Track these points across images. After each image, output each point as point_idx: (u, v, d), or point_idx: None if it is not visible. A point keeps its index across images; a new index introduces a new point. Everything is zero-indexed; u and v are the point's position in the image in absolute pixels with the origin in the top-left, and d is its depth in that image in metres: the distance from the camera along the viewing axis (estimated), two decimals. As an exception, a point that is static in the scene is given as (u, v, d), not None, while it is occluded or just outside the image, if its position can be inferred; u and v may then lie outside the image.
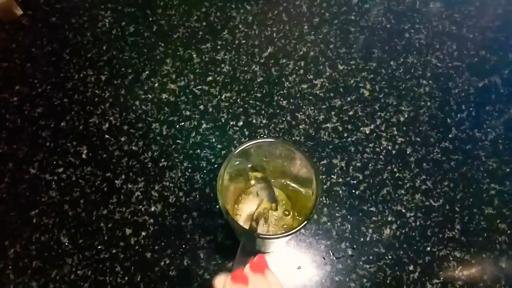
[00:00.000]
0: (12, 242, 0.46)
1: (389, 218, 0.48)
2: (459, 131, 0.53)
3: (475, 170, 0.51)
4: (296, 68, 0.58)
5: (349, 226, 0.47)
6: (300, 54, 0.59)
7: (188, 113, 0.54)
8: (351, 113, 0.54)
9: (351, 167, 0.51)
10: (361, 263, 0.45)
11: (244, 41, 0.60)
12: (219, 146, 0.52)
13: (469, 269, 0.45)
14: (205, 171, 0.50)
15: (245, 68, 0.58)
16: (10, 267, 0.45)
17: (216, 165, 0.51)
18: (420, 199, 0.49)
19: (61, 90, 0.56)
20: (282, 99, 0.55)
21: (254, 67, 0.58)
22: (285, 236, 0.33)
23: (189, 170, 0.50)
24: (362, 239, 0.46)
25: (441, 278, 0.45)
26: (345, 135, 0.53)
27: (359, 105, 0.55)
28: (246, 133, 0.53)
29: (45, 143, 0.52)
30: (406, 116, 0.54)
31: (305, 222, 0.33)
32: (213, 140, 0.52)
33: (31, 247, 0.46)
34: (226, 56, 0.59)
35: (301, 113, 0.54)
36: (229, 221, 0.35)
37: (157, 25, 0.62)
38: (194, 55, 0.59)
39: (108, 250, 0.46)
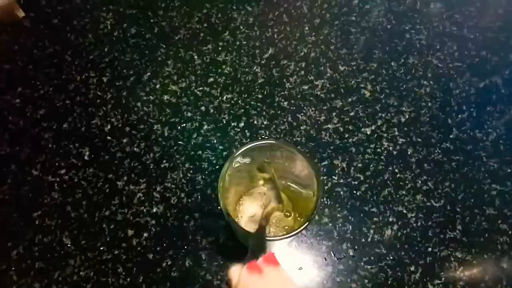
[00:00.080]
0: (15, 243, 0.47)
1: (391, 219, 0.48)
2: (460, 131, 0.53)
3: (476, 170, 0.51)
4: (297, 69, 0.58)
5: (350, 227, 0.47)
6: (301, 55, 0.59)
7: (189, 114, 0.54)
8: (352, 114, 0.55)
9: (352, 168, 0.51)
10: (362, 263, 0.45)
11: (245, 42, 0.60)
12: (220, 147, 0.52)
13: (470, 270, 0.45)
14: (206, 172, 0.50)
15: (246, 69, 0.58)
16: (13, 269, 0.45)
17: (217, 166, 0.51)
18: (421, 200, 0.49)
19: (63, 92, 0.56)
20: (283, 100, 0.55)
21: (255, 68, 0.58)
22: (288, 237, 0.33)
23: (191, 172, 0.51)
24: (363, 240, 0.47)
25: (443, 278, 0.45)
26: (346, 136, 0.53)
27: (360, 106, 0.55)
28: (248, 134, 0.53)
29: (48, 145, 0.52)
30: (407, 116, 0.54)
31: (307, 223, 0.33)
32: (215, 141, 0.53)
33: (34, 248, 0.46)
34: (227, 57, 0.59)
35: (302, 114, 0.54)
36: (230, 223, 0.35)
37: (158, 26, 0.62)
38: (195, 57, 0.59)
39: (111, 251, 0.46)
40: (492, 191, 0.50)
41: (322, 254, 0.46)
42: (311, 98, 0.56)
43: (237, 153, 0.37)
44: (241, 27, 0.62)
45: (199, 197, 0.49)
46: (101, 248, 0.46)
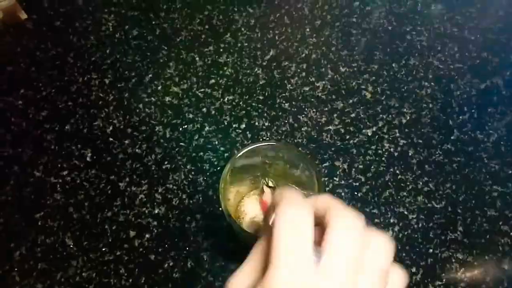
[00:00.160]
0: (17, 244, 0.47)
1: (392, 220, 0.48)
2: (461, 133, 0.54)
3: (478, 172, 0.51)
4: (298, 70, 0.58)
5: (351, 228, 0.47)
6: (302, 56, 0.59)
7: (191, 116, 0.55)
8: (353, 115, 0.55)
9: (353, 169, 0.51)
10: (363, 265, 0.45)
11: (246, 44, 0.61)
12: (221, 148, 0.52)
13: (471, 271, 0.45)
14: (208, 173, 0.51)
15: (248, 71, 0.58)
16: (15, 269, 0.46)
17: (219, 168, 0.51)
18: (422, 201, 0.49)
19: (66, 94, 0.56)
20: (284, 101, 0.56)
21: (256, 69, 0.58)
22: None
23: (192, 173, 0.51)
24: (364, 241, 0.47)
25: (444, 280, 0.45)
26: (347, 137, 0.53)
27: (361, 107, 0.55)
28: (249, 135, 0.53)
29: (50, 146, 0.53)
30: (408, 118, 0.55)
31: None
32: (216, 142, 0.53)
33: (36, 249, 0.47)
34: (228, 59, 0.59)
35: (303, 115, 0.55)
36: (232, 224, 0.35)
37: (160, 28, 0.62)
38: (197, 58, 0.59)
39: (113, 252, 0.46)
40: (493, 192, 0.50)
41: (323, 255, 0.46)
42: (312, 99, 0.56)
43: (238, 155, 0.37)
44: (243, 29, 0.62)
45: (200, 198, 0.49)
46: (103, 249, 0.46)
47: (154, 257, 0.46)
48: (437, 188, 0.50)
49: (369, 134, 0.53)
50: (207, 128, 0.54)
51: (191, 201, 0.49)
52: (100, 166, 0.51)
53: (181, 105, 0.56)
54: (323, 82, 0.57)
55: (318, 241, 0.22)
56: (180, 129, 0.54)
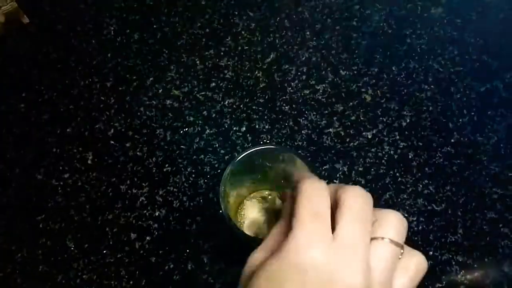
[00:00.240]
0: (18, 246, 0.47)
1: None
2: (461, 135, 0.54)
3: (477, 174, 0.51)
4: (299, 73, 0.58)
5: (351, 230, 0.47)
6: (302, 60, 0.60)
7: (191, 119, 0.55)
8: (353, 118, 0.55)
9: (354, 172, 0.51)
10: (363, 267, 0.45)
11: (247, 48, 0.61)
12: (222, 151, 0.53)
13: (471, 274, 0.45)
14: (208, 176, 0.51)
15: (248, 74, 0.58)
16: (17, 272, 0.46)
17: (219, 170, 0.51)
18: (422, 204, 0.49)
19: (67, 97, 0.57)
20: (284, 104, 0.56)
21: (257, 73, 0.59)
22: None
23: (193, 175, 0.51)
24: (364, 244, 0.47)
25: (444, 282, 0.45)
26: (347, 140, 0.53)
27: (361, 110, 0.55)
28: (249, 138, 0.53)
29: (51, 149, 0.53)
30: (408, 121, 0.55)
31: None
32: (217, 145, 0.53)
33: (37, 251, 0.47)
34: (229, 62, 0.59)
35: (303, 118, 0.55)
36: (232, 227, 0.35)
37: (161, 32, 0.62)
38: (198, 62, 0.60)
39: (113, 255, 0.46)
40: (493, 195, 0.50)
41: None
42: (312, 102, 0.56)
43: (239, 158, 0.37)
44: (243, 32, 0.62)
45: (201, 201, 0.49)
46: (104, 252, 0.47)
47: (154, 260, 0.46)
48: (437, 191, 0.50)
49: (369, 137, 0.53)
50: (207, 131, 0.54)
51: (191, 204, 0.49)
52: (101, 168, 0.52)
53: (182, 108, 0.56)
54: (323, 85, 0.57)
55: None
56: (181, 132, 0.54)
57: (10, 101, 0.57)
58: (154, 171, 0.51)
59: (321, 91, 0.57)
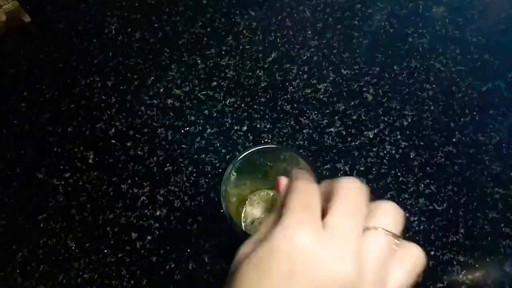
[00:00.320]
0: (19, 246, 0.47)
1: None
2: (462, 135, 0.53)
3: (479, 174, 0.51)
4: (300, 73, 0.58)
5: (353, 230, 0.47)
6: (303, 59, 0.60)
7: (193, 118, 0.55)
8: (354, 117, 0.55)
9: (355, 171, 0.51)
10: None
11: (248, 47, 0.61)
12: (223, 150, 0.52)
13: (473, 273, 0.45)
14: (209, 175, 0.51)
15: (249, 73, 0.58)
16: (17, 271, 0.46)
17: (220, 170, 0.51)
18: (423, 203, 0.49)
19: (68, 96, 0.57)
20: (286, 103, 0.56)
21: (258, 72, 0.58)
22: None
23: (194, 175, 0.51)
24: (366, 243, 0.47)
25: (445, 282, 0.45)
26: (349, 139, 0.53)
27: (363, 110, 0.55)
28: (250, 137, 0.53)
29: (52, 148, 0.53)
30: (409, 120, 0.55)
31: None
32: (218, 144, 0.53)
33: (38, 251, 0.47)
34: (230, 62, 0.59)
35: (304, 117, 0.55)
36: (233, 226, 0.35)
37: (162, 31, 0.62)
38: (199, 61, 0.59)
39: (114, 254, 0.46)
40: (495, 194, 0.50)
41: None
42: (313, 101, 0.56)
43: (240, 157, 0.37)
44: (244, 32, 0.62)
45: (202, 200, 0.49)
46: (105, 251, 0.47)
47: (155, 259, 0.46)
48: (439, 190, 0.50)
49: (371, 136, 0.53)
50: (208, 130, 0.54)
51: (192, 203, 0.49)
52: (102, 168, 0.51)
53: (183, 107, 0.56)
54: (325, 84, 0.57)
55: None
56: (182, 131, 0.54)
57: (11, 100, 0.57)
58: (155, 170, 0.51)
59: (322, 90, 0.57)
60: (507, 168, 0.51)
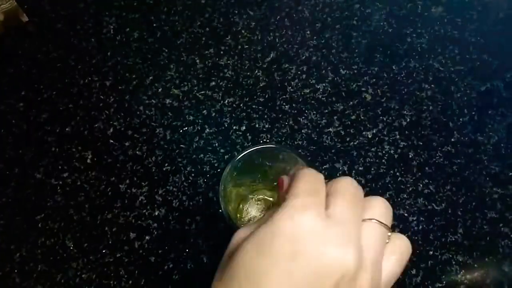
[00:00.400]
0: (17, 246, 0.47)
1: (392, 222, 0.48)
2: (461, 135, 0.53)
3: (478, 174, 0.51)
4: (299, 73, 0.58)
5: (351, 230, 0.47)
6: (302, 59, 0.60)
7: (191, 118, 0.55)
8: (353, 117, 0.55)
9: (354, 171, 0.51)
10: (363, 267, 0.45)
11: (247, 46, 0.61)
12: (222, 150, 0.52)
13: (471, 273, 0.45)
14: (208, 175, 0.51)
15: (248, 73, 0.58)
16: (15, 271, 0.46)
17: (219, 170, 0.51)
18: (422, 203, 0.49)
19: (66, 96, 0.57)
20: (284, 103, 0.56)
21: (256, 72, 0.58)
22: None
23: (193, 175, 0.51)
24: (364, 243, 0.47)
25: (444, 282, 0.45)
26: (348, 139, 0.53)
27: (361, 110, 0.55)
28: (249, 137, 0.53)
29: (51, 148, 0.53)
30: (408, 120, 0.55)
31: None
32: (216, 144, 0.53)
33: (36, 251, 0.47)
34: (229, 61, 0.59)
35: (303, 117, 0.55)
36: (232, 227, 0.35)
37: (160, 31, 0.62)
38: (197, 61, 0.59)
39: (113, 254, 0.46)
40: (493, 194, 0.50)
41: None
42: (312, 101, 0.56)
43: (239, 157, 0.37)
44: (243, 31, 0.62)
45: (200, 200, 0.49)
46: (103, 251, 0.46)
47: (154, 259, 0.46)
48: (437, 190, 0.50)
49: (369, 136, 0.53)
50: (207, 130, 0.54)
51: (191, 203, 0.49)
52: (101, 168, 0.51)
53: (182, 107, 0.56)
54: (324, 84, 0.57)
55: None
56: (181, 131, 0.54)
57: (9, 100, 0.56)
58: (153, 170, 0.51)
59: (321, 90, 0.57)
60: (505, 168, 0.51)
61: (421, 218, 0.48)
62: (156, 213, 0.48)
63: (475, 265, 0.46)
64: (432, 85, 0.57)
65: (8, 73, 0.59)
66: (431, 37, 0.62)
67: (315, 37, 0.62)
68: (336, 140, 0.53)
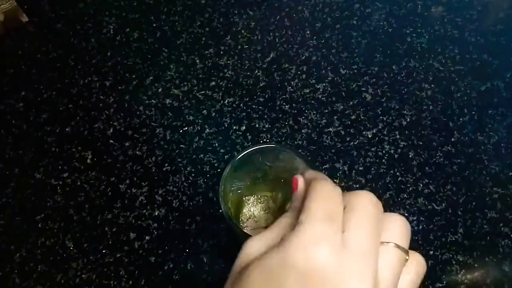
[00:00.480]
0: (17, 246, 0.47)
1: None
2: (461, 134, 0.53)
3: (478, 173, 0.51)
4: (299, 72, 0.58)
5: (351, 230, 0.47)
6: (302, 59, 0.60)
7: (191, 118, 0.55)
8: (353, 117, 0.55)
9: (354, 171, 0.51)
10: (363, 267, 0.45)
11: (246, 46, 0.61)
12: (222, 150, 0.52)
13: (472, 273, 0.45)
14: (208, 175, 0.51)
15: (248, 73, 0.58)
16: (15, 271, 0.46)
17: (219, 170, 0.51)
18: (422, 203, 0.49)
19: (66, 96, 0.57)
20: (284, 103, 0.56)
21: (256, 72, 0.58)
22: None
23: (193, 175, 0.51)
24: (364, 243, 0.47)
25: (444, 282, 0.45)
26: (348, 139, 0.53)
27: (361, 109, 0.55)
28: (249, 137, 0.53)
29: (50, 148, 0.53)
30: (408, 120, 0.55)
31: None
32: (216, 144, 0.53)
33: (36, 251, 0.47)
34: (229, 61, 0.59)
35: (303, 117, 0.55)
36: (232, 226, 0.35)
37: (160, 31, 0.62)
38: (197, 61, 0.59)
39: (113, 254, 0.46)
40: (493, 194, 0.50)
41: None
42: (312, 101, 0.56)
43: (239, 157, 0.37)
44: (243, 31, 0.62)
45: (200, 200, 0.49)
46: (103, 251, 0.46)
47: (154, 259, 0.46)
48: (438, 190, 0.50)
49: (369, 136, 0.53)
50: (207, 130, 0.54)
51: (191, 203, 0.49)
52: (101, 168, 0.51)
53: (182, 107, 0.56)
54: (323, 84, 0.57)
55: None
56: (181, 131, 0.54)
57: (9, 100, 0.56)
58: (153, 170, 0.51)
59: (321, 90, 0.57)
60: (505, 167, 0.51)
61: (421, 218, 0.48)
62: (156, 213, 0.48)
63: (475, 265, 0.46)
64: (432, 85, 0.57)
65: (8, 73, 0.59)
66: (431, 37, 0.62)
67: (315, 37, 0.62)
68: (336, 140, 0.53)
